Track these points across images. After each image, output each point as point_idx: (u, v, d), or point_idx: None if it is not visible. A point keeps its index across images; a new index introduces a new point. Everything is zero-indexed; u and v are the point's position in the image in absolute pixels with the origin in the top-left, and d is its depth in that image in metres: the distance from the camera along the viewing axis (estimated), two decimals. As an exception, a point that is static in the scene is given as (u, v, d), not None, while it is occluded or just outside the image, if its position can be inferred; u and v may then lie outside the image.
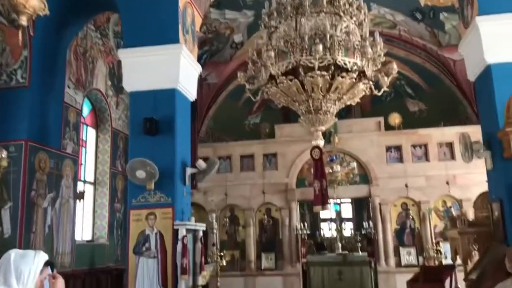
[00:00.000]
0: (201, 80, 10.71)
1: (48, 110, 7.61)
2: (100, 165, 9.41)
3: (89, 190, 9.06)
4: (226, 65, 11.58)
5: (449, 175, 10.07)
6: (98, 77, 9.15)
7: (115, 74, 9.74)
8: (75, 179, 8.21)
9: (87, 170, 9.17)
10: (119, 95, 9.92)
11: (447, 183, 10.04)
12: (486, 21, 6.22)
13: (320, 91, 3.73)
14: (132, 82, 7.00)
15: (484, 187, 7.65)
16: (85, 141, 9.20)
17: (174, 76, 6.87)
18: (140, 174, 6.41)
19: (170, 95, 6.86)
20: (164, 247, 6.46)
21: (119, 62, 8.31)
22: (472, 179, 9.80)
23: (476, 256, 6.76)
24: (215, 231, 8.67)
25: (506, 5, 6.18)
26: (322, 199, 4.11)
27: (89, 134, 9.35)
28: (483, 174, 7.44)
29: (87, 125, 9.26)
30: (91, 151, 9.35)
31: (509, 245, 4.94)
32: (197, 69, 7.62)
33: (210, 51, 11.18)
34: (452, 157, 10.28)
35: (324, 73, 3.62)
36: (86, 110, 9.20)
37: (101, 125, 9.56)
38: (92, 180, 9.26)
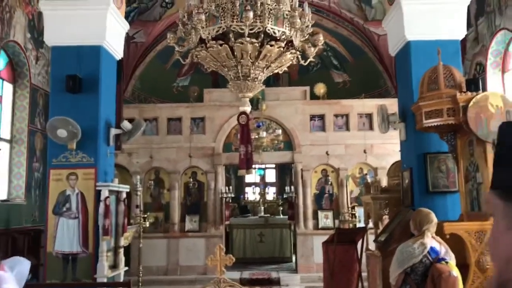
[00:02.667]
0: (128, 39, 10.35)
1: (-42, 61, 7.07)
2: (17, 122, 8.92)
3: (5, 148, 8.60)
4: (155, 24, 11.26)
5: (367, 144, 10.65)
6: (16, 29, 8.56)
7: (36, 27, 9.16)
8: (-11, 136, 7.76)
9: (3, 127, 8.68)
10: (39, 50, 9.37)
11: (365, 151, 10.61)
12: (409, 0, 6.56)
13: (249, 57, 3.80)
14: (55, 36, 6.67)
15: (397, 156, 8.22)
16: (1, 97, 8.66)
17: (100, 33, 6.62)
18: (61, 133, 6.21)
19: (95, 52, 6.63)
20: (85, 207, 6.37)
21: (40, 13, 7.84)
22: (387, 148, 10.43)
23: (386, 220, 7.31)
24: (139, 193, 8.63)
25: (429, -14, 6.54)
26: (247, 163, 4.24)
27: (5, 89, 8.80)
28: (397, 144, 7.98)
29: (3, 80, 8.70)
30: (7, 107, 8.83)
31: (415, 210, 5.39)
32: (124, 26, 7.38)
33: (139, 8, 10.80)
34: (371, 127, 10.84)
35: (253, 40, 3.68)
36: (2, 63, 8.62)
37: (19, 80, 9.01)
38: (8, 137, 8.79)
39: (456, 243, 4.52)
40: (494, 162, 0.77)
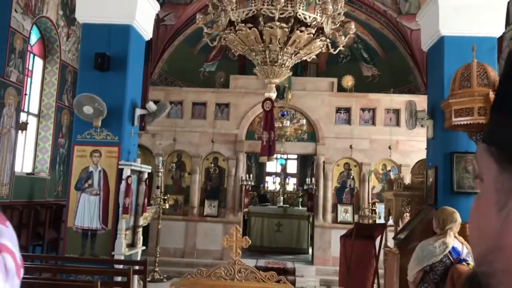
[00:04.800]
0: (158, 21, 10.37)
1: (-9, 33, 7.19)
2: (45, 98, 9.07)
3: (32, 123, 8.76)
4: (185, 7, 11.24)
5: (392, 140, 10.47)
6: (49, 5, 8.66)
7: (68, 4, 9.24)
8: (18, 109, 7.90)
9: (32, 101, 8.83)
10: (71, 27, 9.47)
11: (389, 147, 10.44)
12: (446, -7, 6.36)
13: (278, 43, 3.73)
14: (86, 13, 6.70)
15: (422, 154, 8.06)
16: (31, 71, 8.80)
17: (131, 12, 6.63)
18: (88, 110, 6.26)
19: (124, 31, 6.65)
20: (107, 185, 6.44)
21: (73, -10, 7.91)
22: (412, 146, 10.24)
23: (407, 217, 7.19)
24: (160, 174, 8.69)
25: (466, -20, 6.33)
26: (269, 150, 4.19)
27: (36, 64, 8.94)
28: (423, 142, 7.82)
29: (34, 55, 8.83)
30: (37, 82, 8.97)
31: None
32: (155, 7, 7.37)
33: (170, -9, 10.78)
34: (397, 123, 10.65)
35: (283, 25, 3.61)
36: (34, 38, 8.74)
37: (50, 56, 9.14)
38: (36, 112, 8.94)
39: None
40: (495, 105, 0.53)
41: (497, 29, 6.48)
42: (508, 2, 6.54)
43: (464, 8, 6.34)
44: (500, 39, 7.07)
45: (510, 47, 8.21)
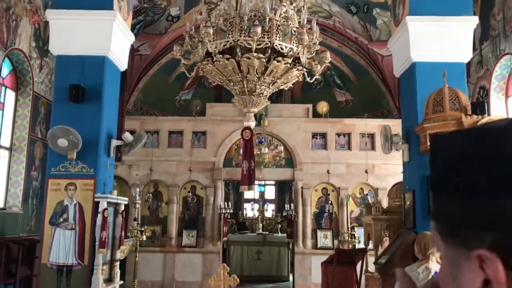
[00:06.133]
0: (133, 51, 10.37)
1: (-38, 67, 7.04)
2: (18, 130, 8.86)
3: (4, 156, 8.53)
4: (160, 38, 11.29)
5: (368, 164, 10.58)
6: (22, 37, 8.56)
7: (41, 36, 9.16)
8: (-11, 143, 7.70)
9: (3, 134, 8.62)
10: (44, 58, 9.37)
11: (366, 171, 10.54)
12: (415, 21, 6.58)
13: (255, 73, 3.77)
14: (60, 45, 6.67)
15: (399, 178, 8.17)
16: (3, 104, 8.62)
17: (105, 44, 6.62)
18: (62, 142, 6.15)
19: (99, 63, 6.62)
20: (83, 219, 6.29)
21: (46, 23, 7.86)
22: (388, 169, 10.36)
23: (387, 241, 7.21)
24: (137, 205, 8.54)
25: (435, 8, 6.57)
26: (249, 179, 4.18)
27: (8, 97, 8.77)
28: (399, 165, 7.94)
29: (6, 87, 8.67)
30: (8, 115, 8.78)
31: (417, 233, 5.31)
32: (129, 38, 7.38)
33: (145, 21, 10.84)
34: (373, 147, 10.79)
35: (260, 55, 3.65)
36: (5, 70, 8.60)
37: (22, 88, 8.99)
38: (8, 145, 8.73)
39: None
40: (431, 186, 0.59)
41: (465, 55, 6.70)
42: (474, 30, 6.79)
43: (433, 35, 6.56)
44: (467, 65, 7.31)
45: (477, 72, 8.48)
